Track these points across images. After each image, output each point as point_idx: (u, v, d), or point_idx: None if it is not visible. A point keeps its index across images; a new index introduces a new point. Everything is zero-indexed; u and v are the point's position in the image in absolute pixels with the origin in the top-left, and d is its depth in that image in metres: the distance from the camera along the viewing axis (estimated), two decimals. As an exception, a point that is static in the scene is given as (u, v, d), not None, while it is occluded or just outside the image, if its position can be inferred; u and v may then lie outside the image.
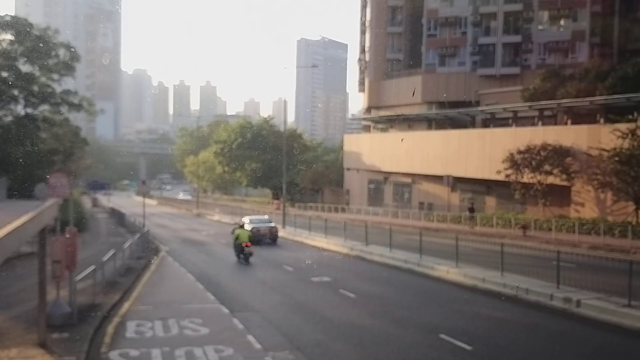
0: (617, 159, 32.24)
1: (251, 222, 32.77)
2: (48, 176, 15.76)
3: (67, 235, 13.87)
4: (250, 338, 12.77)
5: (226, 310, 15.56)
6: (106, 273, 18.32)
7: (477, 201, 47.84)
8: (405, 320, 14.61)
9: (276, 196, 71.82)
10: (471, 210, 41.36)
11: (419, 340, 12.77)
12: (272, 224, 33.95)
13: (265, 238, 32.52)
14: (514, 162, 38.41)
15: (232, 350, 11.78)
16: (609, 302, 14.53)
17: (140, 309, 15.94)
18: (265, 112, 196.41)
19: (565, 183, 37.60)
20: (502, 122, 48.43)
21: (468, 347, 11.88)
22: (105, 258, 18.23)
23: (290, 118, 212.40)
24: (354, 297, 17.40)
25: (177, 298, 17.62)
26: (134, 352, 11.66)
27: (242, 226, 27.04)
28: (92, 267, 16.14)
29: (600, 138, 34.82)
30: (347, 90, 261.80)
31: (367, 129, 72.56)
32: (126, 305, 16.24)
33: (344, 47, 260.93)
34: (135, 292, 18.41)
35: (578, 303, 14.88)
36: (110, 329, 13.62)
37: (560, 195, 38.34)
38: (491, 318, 14.96)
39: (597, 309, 14.36)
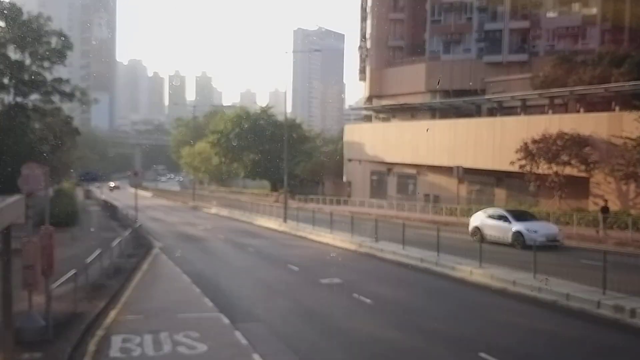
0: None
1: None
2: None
3: (43, 235, 11.82)
4: (256, 357, 10.80)
5: (227, 321, 13.56)
6: (92, 275, 16.34)
7: (486, 193, 46.01)
8: (434, 333, 12.65)
9: (275, 188, 69.84)
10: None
11: (455, 360, 10.81)
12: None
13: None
14: (529, 152, 36.39)
15: (235, 376, 9.80)
16: (669, 311, 12.60)
17: (129, 319, 13.93)
18: (262, 102, 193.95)
19: (583, 174, 35.68)
20: (509, 111, 46.56)
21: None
22: (89, 259, 16.19)
23: (288, 109, 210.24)
24: (370, 303, 15.40)
25: (170, 305, 15.58)
26: (117, 378, 9.67)
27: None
28: (75, 270, 14.14)
29: (622, 126, 32.87)
30: (344, 81, 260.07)
31: (368, 118, 70.65)
32: (112, 314, 14.24)
33: (340, 37, 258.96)
34: (124, 297, 16.40)
35: (632, 312, 12.89)
36: (91, 345, 11.61)
37: (576, 187, 36.37)
38: (532, 330, 12.94)
39: (656, 320, 12.40)
